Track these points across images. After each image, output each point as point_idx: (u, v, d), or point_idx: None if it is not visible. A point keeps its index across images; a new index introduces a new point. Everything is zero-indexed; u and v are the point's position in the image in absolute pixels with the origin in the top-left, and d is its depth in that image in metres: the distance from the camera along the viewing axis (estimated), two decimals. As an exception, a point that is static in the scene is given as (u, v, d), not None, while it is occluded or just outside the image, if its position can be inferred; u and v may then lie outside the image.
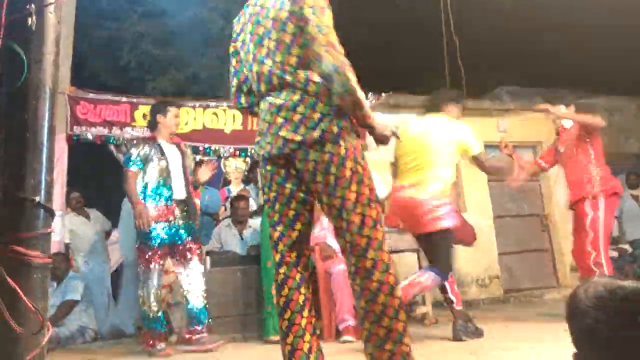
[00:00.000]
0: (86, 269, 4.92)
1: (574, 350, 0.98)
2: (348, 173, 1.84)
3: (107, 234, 5.45)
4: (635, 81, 7.31)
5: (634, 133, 7.86)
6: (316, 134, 1.84)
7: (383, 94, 6.45)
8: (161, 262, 3.52)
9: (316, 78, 1.87)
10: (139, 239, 3.55)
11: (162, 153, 3.63)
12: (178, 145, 3.77)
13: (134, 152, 3.64)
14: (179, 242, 3.57)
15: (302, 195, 1.94)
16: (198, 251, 3.65)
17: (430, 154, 3.20)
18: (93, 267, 5.06)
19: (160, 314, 3.47)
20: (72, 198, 4.99)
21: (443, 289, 3.27)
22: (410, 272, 5.66)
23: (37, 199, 1.18)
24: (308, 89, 1.88)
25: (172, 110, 3.74)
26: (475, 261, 6.46)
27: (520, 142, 6.56)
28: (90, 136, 4.97)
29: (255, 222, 4.60)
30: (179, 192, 3.63)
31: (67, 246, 4.90)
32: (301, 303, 1.94)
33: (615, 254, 6.17)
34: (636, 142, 7.82)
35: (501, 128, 7.04)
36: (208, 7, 6.75)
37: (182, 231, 3.59)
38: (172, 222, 3.56)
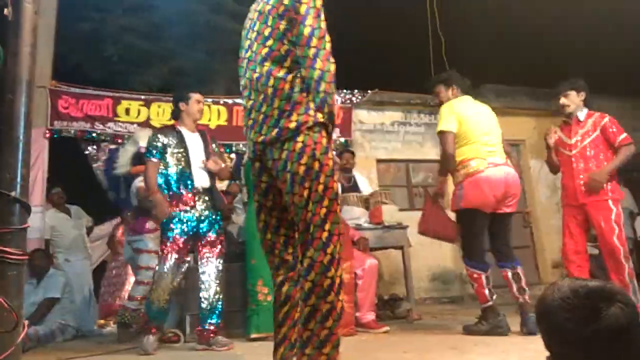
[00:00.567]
0: (67, 266, 4.86)
1: (547, 352, 1.00)
2: (302, 169, 1.81)
3: (89, 231, 5.38)
4: (626, 81, 7.43)
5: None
6: (274, 132, 1.84)
7: (369, 91, 6.47)
8: (179, 254, 3.35)
9: (279, 73, 1.86)
10: (160, 229, 3.46)
11: (182, 141, 3.47)
12: (202, 133, 3.64)
13: (151, 141, 3.47)
14: (201, 234, 3.43)
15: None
16: (220, 246, 3.49)
17: (498, 132, 3.46)
18: (74, 264, 5.00)
19: (166, 306, 3.34)
20: (54, 194, 4.92)
21: (518, 277, 3.32)
22: (396, 269, 5.73)
23: (13, 194, 1.15)
24: (269, 83, 1.87)
25: (193, 96, 3.57)
26: (458, 258, 6.51)
27: (504, 140, 6.62)
28: (71, 131, 4.89)
29: (239, 219, 4.58)
30: (202, 181, 3.46)
31: (47, 242, 4.82)
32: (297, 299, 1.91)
33: (596, 251, 6.27)
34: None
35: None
36: (196, 0, 6.69)
37: (204, 222, 3.43)
38: (194, 212, 3.40)
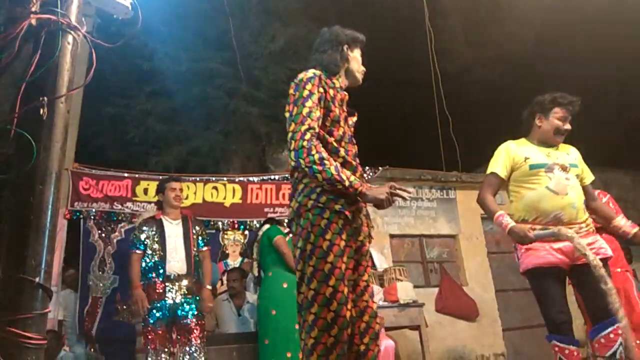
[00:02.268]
0: (79, 348, 4.79)
1: None
2: (297, 252, 1.98)
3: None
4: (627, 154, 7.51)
5: (631, 205, 7.94)
6: (289, 212, 2.09)
7: (380, 168, 6.60)
8: (159, 343, 3.47)
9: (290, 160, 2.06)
10: (142, 322, 3.59)
11: (162, 231, 3.68)
12: (185, 219, 3.81)
13: (137, 233, 3.73)
14: (178, 321, 3.54)
15: None
16: (199, 330, 3.56)
17: None
18: (86, 346, 4.92)
19: None
20: (67, 275, 4.96)
21: None
22: (413, 350, 5.53)
23: (37, 279, 1.21)
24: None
25: (168, 185, 3.83)
26: (478, 338, 6.28)
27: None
28: (91, 212, 5.02)
29: (253, 297, 4.54)
30: (177, 268, 3.63)
31: (60, 323, 4.80)
32: None
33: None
34: (633, 213, 7.88)
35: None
36: (213, 85, 7.07)
37: (181, 308, 3.55)
38: (168, 301, 3.55)
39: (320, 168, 1.94)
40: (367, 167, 6.46)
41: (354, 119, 2.27)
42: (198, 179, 5.52)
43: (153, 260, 3.62)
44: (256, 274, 4.19)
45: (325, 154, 1.96)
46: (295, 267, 2.01)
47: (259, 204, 5.38)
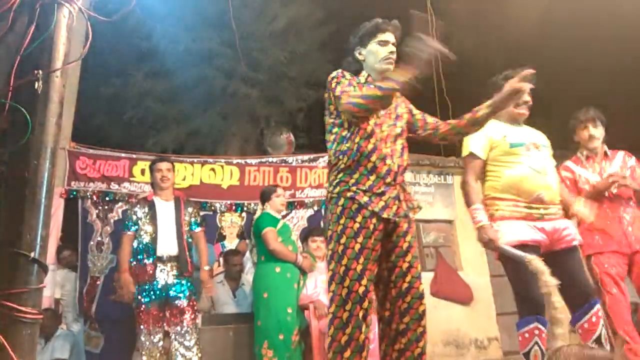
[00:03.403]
0: (77, 327, 4.82)
1: None
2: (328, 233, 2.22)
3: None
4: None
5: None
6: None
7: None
8: (153, 323, 3.52)
9: (331, 152, 2.25)
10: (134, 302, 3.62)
11: (153, 212, 3.69)
12: (177, 200, 3.81)
13: (129, 214, 3.75)
14: (170, 302, 3.56)
15: None
16: (191, 311, 3.60)
17: None
18: (85, 324, 4.95)
19: None
20: (63, 257, 4.96)
21: None
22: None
23: (32, 254, 1.21)
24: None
25: (155, 166, 3.84)
26: (473, 322, 6.34)
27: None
28: (88, 192, 5.01)
29: (249, 278, 4.57)
30: (169, 249, 3.63)
31: (57, 302, 4.82)
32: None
33: None
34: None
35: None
36: (212, 66, 7.00)
37: (173, 289, 3.57)
38: (160, 282, 3.56)
39: (362, 100, 2.09)
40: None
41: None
42: (196, 160, 5.50)
43: (145, 242, 3.63)
44: (254, 259, 4.23)
45: (360, 92, 2.14)
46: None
47: (257, 186, 5.36)
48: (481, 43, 9.69)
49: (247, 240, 4.99)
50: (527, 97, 2.81)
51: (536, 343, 2.48)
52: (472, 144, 2.79)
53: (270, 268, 3.78)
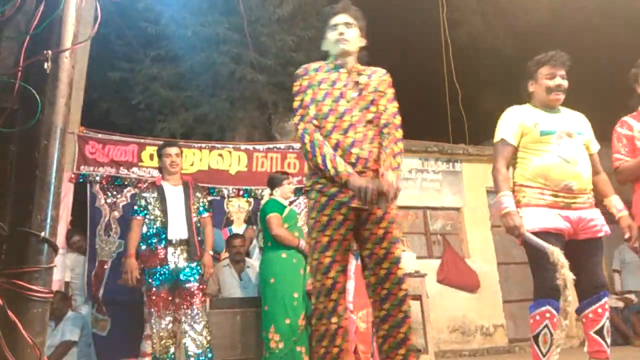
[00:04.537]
0: (86, 309, 4.88)
1: None
2: None
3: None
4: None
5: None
6: None
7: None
8: (166, 306, 3.56)
9: None
10: (145, 286, 3.66)
11: (162, 197, 3.70)
12: (186, 185, 3.83)
13: (138, 200, 3.78)
14: (181, 285, 3.59)
15: None
16: (200, 294, 3.63)
17: None
18: (93, 307, 5.01)
19: (167, 356, 3.52)
20: (73, 242, 5.01)
21: None
22: (414, 320, 5.60)
23: (42, 234, 1.21)
24: None
25: (164, 151, 3.84)
26: (479, 309, 6.36)
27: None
28: (97, 176, 5.03)
29: (254, 262, 4.60)
30: (179, 233, 3.65)
31: (67, 285, 4.87)
32: None
33: (621, 304, 6.07)
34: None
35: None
36: (219, 51, 6.96)
37: (183, 273, 3.60)
38: (170, 265, 3.59)
39: (308, 148, 2.15)
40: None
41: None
42: (204, 145, 5.51)
43: (155, 227, 3.65)
44: (260, 244, 4.24)
45: (316, 141, 2.14)
46: None
47: (264, 172, 5.37)
48: (490, 29, 9.56)
49: (254, 226, 5.00)
50: (559, 82, 2.73)
51: (546, 326, 2.48)
52: (504, 130, 2.76)
53: (276, 254, 3.79)
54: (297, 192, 5.16)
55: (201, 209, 3.85)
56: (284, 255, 3.76)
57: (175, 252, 3.62)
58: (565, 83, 2.75)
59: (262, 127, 7.33)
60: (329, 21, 2.32)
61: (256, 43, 7.07)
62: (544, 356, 2.48)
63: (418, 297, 4.76)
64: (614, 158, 2.80)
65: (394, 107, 2.32)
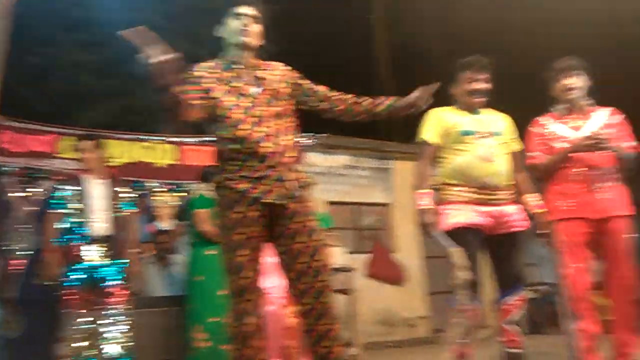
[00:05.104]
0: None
1: None
2: None
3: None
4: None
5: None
6: None
7: (320, 135, 6.60)
8: (80, 306, 3.38)
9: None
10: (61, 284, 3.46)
11: (83, 191, 3.53)
12: (110, 178, 3.66)
13: (56, 193, 3.57)
14: (100, 284, 3.45)
15: None
16: (122, 293, 3.49)
17: None
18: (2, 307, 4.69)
19: (84, 359, 3.34)
20: None
21: None
22: (341, 313, 5.70)
23: None
24: None
25: (79, 144, 3.67)
26: (405, 301, 6.58)
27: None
28: (13, 167, 4.71)
29: (180, 259, 4.49)
30: (100, 229, 3.50)
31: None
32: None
33: (535, 294, 6.51)
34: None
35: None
36: (149, 39, 6.69)
37: (104, 272, 3.45)
38: (88, 262, 3.44)
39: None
40: (307, 134, 6.45)
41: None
42: (131, 137, 5.29)
43: (73, 221, 3.48)
44: (189, 240, 4.15)
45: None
46: None
47: (196, 166, 5.24)
48: (423, 31, 9.87)
49: (184, 222, 4.88)
50: (480, 85, 2.86)
51: (465, 319, 2.62)
52: (426, 130, 2.89)
53: (203, 251, 3.72)
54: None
55: (126, 203, 3.70)
56: (211, 252, 3.69)
57: (95, 249, 3.46)
58: (485, 86, 2.90)
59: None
60: (233, 8, 2.18)
61: (190, 33, 6.87)
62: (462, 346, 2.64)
63: (346, 291, 4.85)
64: (528, 156, 2.97)
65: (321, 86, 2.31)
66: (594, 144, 2.68)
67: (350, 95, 2.26)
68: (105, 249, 3.49)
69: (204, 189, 3.98)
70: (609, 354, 2.71)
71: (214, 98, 2.12)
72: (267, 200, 2.05)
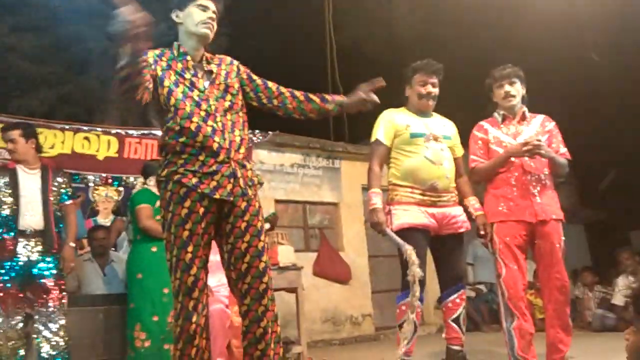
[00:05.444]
0: None
1: None
2: None
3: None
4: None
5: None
6: None
7: (270, 132, 6.54)
8: (12, 304, 3.17)
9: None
10: None
11: (15, 181, 3.31)
12: (45, 169, 3.43)
13: None
14: (34, 280, 3.23)
15: None
16: (57, 290, 3.29)
17: None
18: None
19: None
20: None
21: None
22: (288, 312, 5.68)
23: None
24: None
25: (7, 134, 3.42)
26: (349, 299, 6.65)
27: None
28: None
29: (123, 256, 4.30)
30: (33, 222, 3.29)
31: None
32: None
33: (472, 293, 6.76)
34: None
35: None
36: (91, 25, 6.35)
37: (37, 267, 3.24)
38: (22, 258, 3.23)
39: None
40: (256, 131, 6.38)
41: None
42: (67, 127, 5.00)
43: (4, 214, 3.25)
44: (130, 237, 3.99)
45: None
46: None
47: (137, 159, 5.04)
48: (370, 35, 10.01)
49: (124, 218, 4.68)
50: (430, 89, 2.95)
51: (413, 316, 2.68)
52: (379, 131, 2.96)
53: (145, 247, 3.58)
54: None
55: (63, 195, 3.49)
56: (154, 249, 3.56)
57: (28, 244, 3.25)
58: (436, 91, 2.98)
59: (137, 111, 6.87)
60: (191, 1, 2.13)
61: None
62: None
63: (294, 290, 4.81)
64: (470, 159, 3.07)
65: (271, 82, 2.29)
66: (531, 149, 2.78)
67: (300, 93, 2.24)
68: (40, 243, 3.28)
69: (148, 184, 3.84)
70: (544, 351, 2.85)
71: (164, 87, 2.05)
72: (216, 196, 2.00)
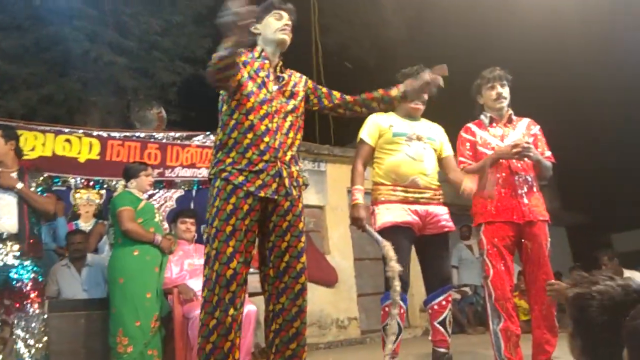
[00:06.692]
0: None
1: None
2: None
3: None
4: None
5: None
6: None
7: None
8: None
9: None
10: None
11: None
12: (21, 172, 3.36)
13: None
14: (11, 285, 3.14)
15: None
16: (36, 295, 3.20)
17: None
18: None
19: None
20: None
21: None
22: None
23: None
24: None
25: None
26: (335, 303, 6.62)
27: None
28: None
29: (99, 261, 4.21)
30: (8, 226, 3.20)
31: None
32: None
33: (458, 296, 6.79)
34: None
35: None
36: (72, 26, 6.24)
37: (14, 273, 3.15)
38: (1, 262, 3.13)
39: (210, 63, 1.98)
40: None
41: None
42: (48, 128, 4.89)
43: None
44: (111, 240, 3.92)
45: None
46: None
47: (120, 162, 4.94)
48: (356, 38, 10.05)
49: (105, 221, 4.59)
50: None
51: (397, 315, 2.67)
52: (364, 131, 3.03)
53: (127, 251, 3.52)
54: (157, 185, 4.86)
55: (39, 192, 3.40)
56: (135, 253, 3.51)
57: (3, 249, 3.16)
58: (425, 96, 3.00)
59: (119, 113, 6.76)
60: (272, 11, 2.31)
61: (117, 22, 6.51)
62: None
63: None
64: (458, 161, 3.11)
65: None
66: (520, 152, 2.81)
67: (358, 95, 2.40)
68: (17, 247, 3.20)
69: (130, 187, 3.78)
70: (529, 352, 2.86)
71: (241, 76, 2.16)
72: (261, 195, 2.07)
